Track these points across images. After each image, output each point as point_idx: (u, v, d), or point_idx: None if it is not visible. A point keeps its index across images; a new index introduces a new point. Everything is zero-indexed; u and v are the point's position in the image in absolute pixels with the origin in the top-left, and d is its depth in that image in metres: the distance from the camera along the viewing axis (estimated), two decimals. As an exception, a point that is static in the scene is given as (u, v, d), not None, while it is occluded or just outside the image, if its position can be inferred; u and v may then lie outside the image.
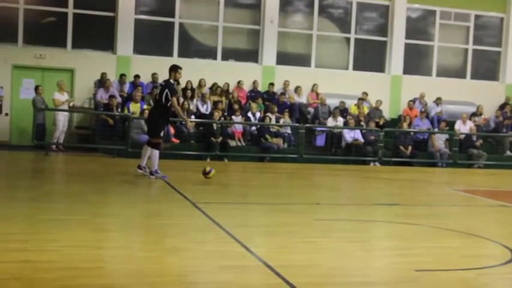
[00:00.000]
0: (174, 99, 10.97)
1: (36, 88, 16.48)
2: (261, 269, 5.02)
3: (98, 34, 18.59)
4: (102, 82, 17.25)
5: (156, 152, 11.13)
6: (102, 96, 16.74)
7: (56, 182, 11.13)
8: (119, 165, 13.29)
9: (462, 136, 18.52)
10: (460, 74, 21.77)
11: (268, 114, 17.43)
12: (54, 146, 16.05)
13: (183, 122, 15.34)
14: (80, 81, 17.98)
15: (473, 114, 19.92)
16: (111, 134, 16.09)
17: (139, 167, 11.32)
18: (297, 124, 17.63)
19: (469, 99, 20.98)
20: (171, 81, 11.14)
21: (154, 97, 12.56)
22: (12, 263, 4.77)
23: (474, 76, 21.78)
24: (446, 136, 18.44)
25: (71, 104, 16.64)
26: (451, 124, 19.21)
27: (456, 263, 5.67)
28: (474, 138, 18.78)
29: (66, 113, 16.45)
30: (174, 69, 11.17)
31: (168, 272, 4.81)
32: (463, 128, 18.92)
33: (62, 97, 16.17)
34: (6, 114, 17.44)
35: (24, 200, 8.23)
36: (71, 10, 18.06)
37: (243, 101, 18.39)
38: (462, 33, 21.89)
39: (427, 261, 5.64)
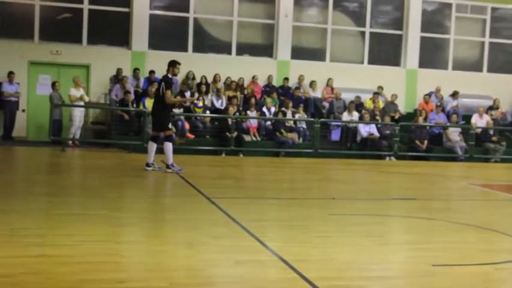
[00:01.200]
0: (168, 92, 11.10)
1: (53, 84, 16.59)
2: (277, 263, 5.03)
3: (113, 30, 18.67)
4: (118, 78, 17.32)
5: (170, 145, 11.22)
6: (118, 94, 16.79)
7: (72, 177, 11.21)
8: (134, 160, 13.35)
9: (479, 130, 18.39)
10: (476, 67, 21.59)
11: (283, 108, 17.40)
12: (70, 142, 16.16)
13: (188, 104, 15.13)
14: (96, 77, 18.06)
15: (490, 108, 19.75)
16: (127, 130, 16.16)
17: (147, 164, 11.38)
18: (312, 119, 17.59)
19: (485, 92, 20.81)
20: (169, 75, 11.26)
21: (154, 92, 12.67)
22: (30, 257, 4.81)
23: (491, 69, 21.60)
24: (460, 129, 18.32)
25: (87, 100, 16.75)
26: (467, 118, 19.08)
27: (473, 257, 5.64)
28: (491, 132, 18.63)
29: (82, 109, 16.56)
30: (173, 64, 11.34)
31: (184, 266, 4.83)
32: (480, 121, 18.78)
33: (77, 93, 16.28)
34: (23, 111, 17.57)
35: (41, 195, 8.30)
36: (86, 6, 18.14)
37: (258, 96, 18.38)
38: (478, 26, 21.70)
39: (444, 256, 5.62)
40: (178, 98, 11.84)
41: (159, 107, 11.26)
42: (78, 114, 16.30)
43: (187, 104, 14.45)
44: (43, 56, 17.76)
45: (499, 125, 19.28)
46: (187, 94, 16.96)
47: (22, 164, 13.26)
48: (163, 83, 11.13)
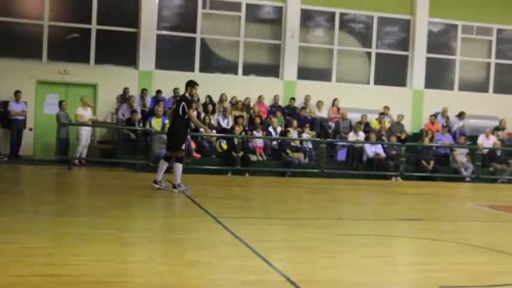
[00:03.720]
0: (191, 111, 11.10)
1: (60, 103, 16.70)
2: (284, 284, 5.01)
3: (120, 50, 18.80)
4: (125, 98, 17.41)
5: (180, 166, 11.21)
6: (125, 113, 16.87)
7: (79, 196, 11.22)
8: (141, 179, 13.36)
9: (485, 151, 18.35)
10: (482, 88, 21.63)
11: (289, 128, 17.43)
12: (77, 161, 16.20)
13: (201, 130, 15.40)
14: (103, 96, 18.17)
15: (496, 129, 19.73)
16: (133, 149, 16.21)
17: (155, 181, 11.40)
18: (318, 139, 17.61)
19: (491, 113, 20.82)
20: (187, 95, 11.25)
21: (171, 112, 12.67)
22: (38, 276, 4.81)
23: (497, 90, 21.64)
24: (466, 150, 18.29)
25: (95, 118, 16.85)
26: (473, 138, 19.06)
27: (481, 279, 5.61)
28: (498, 153, 18.59)
29: (89, 128, 16.63)
30: (191, 84, 11.30)
31: (190, 286, 4.82)
32: (486, 142, 18.75)
33: (85, 112, 16.36)
34: (30, 129, 17.66)
35: (48, 214, 8.31)
36: (94, 26, 18.30)
37: (264, 116, 18.43)
38: (484, 47, 21.77)
39: (451, 277, 5.59)
40: (197, 120, 11.78)
41: (177, 126, 11.25)
42: (85, 133, 16.37)
43: (202, 130, 14.51)
44: (51, 75, 17.90)
45: (506, 145, 19.23)
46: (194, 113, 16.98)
47: (29, 183, 13.28)
48: (183, 103, 11.05)
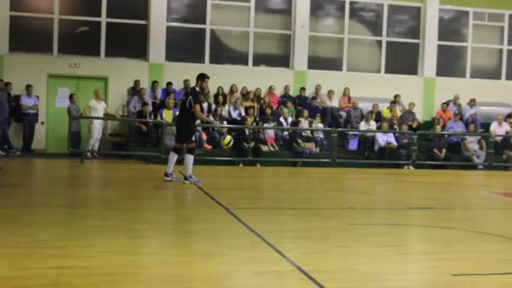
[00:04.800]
0: (197, 106, 11.03)
1: (71, 96, 16.76)
2: (295, 274, 5.01)
3: (130, 42, 18.83)
4: (136, 90, 17.45)
5: (191, 157, 11.22)
6: (136, 105, 16.93)
7: (91, 189, 11.28)
8: (152, 171, 13.40)
9: (498, 138, 18.23)
10: (494, 74, 21.46)
11: (300, 118, 17.39)
12: (89, 154, 16.27)
13: (215, 128, 15.51)
14: (114, 89, 18.22)
15: (509, 116, 19.58)
16: (145, 141, 16.26)
17: (166, 174, 11.43)
18: (329, 128, 17.57)
19: (504, 100, 20.67)
20: (197, 88, 11.23)
21: (180, 104, 12.66)
22: (51, 269, 4.84)
23: (509, 77, 21.45)
24: (478, 138, 18.19)
25: (111, 112, 17.02)
26: (486, 126, 18.94)
27: (494, 267, 5.58)
28: (511, 140, 18.46)
29: (101, 121, 16.69)
30: (202, 77, 11.27)
31: (203, 277, 4.83)
32: (499, 129, 18.62)
33: (98, 105, 16.45)
34: (42, 123, 17.75)
35: (61, 207, 8.36)
36: (104, 19, 18.33)
37: (275, 106, 18.40)
38: (496, 34, 21.58)
39: (464, 266, 5.57)
40: (202, 115, 11.71)
41: (184, 119, 11.25)
42: (97, 126, 16.44)
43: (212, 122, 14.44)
44: (62, 68, 17.96)
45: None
46: (204, 105, 17.01)
47: (41, 176, 13.37)
48: (191, 96, 11.05)
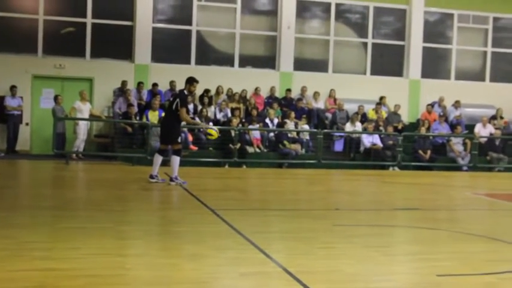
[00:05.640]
0: (183, 110, 11.03)
1: (56, 98, 16.68)
2: (282, 275, 5.03)
3: (116, 43, 18.76)
4: (122, 91, 17.39)
5: (177, 159, 11.21)
6: (121, 107, 16.88)
7: (77, 191, 11.23)
8: (138, 172, 13.37)
9: (483, 140, 18.38)
10: (479, 76, 21.64)
11: (286, 120, 17.43)
12: (74, 155, 16.20)
13: (201, 130, 15.47)
14: (99, 90, 18.15)
15: (493, 117, 19.74)
16: (130, 142, 16.21)
17: (151, 176, 11.40)
18: (315, 130, 17.62)
19: (488, 102, 20.84)
20: (185, 92, 11.23)
21: (166, 105, 12.63)
22: (36, 271, 4.83)
23: (493, 79, 21.65)
24: (462, 139, 18.33)
25: (97, 113, 16.95)
26: (470, 127, 19.09)
27: (478, 267, 5.64)
28: (496, 142, 18.60)
29: (86, 122, 16.62)
30: (190, 81, 11.28)
31: (188, 279, 4.83)
32: (483, 131, 18.78)
33: (83, 106, 16.38)
34: (27, 124, 17.64)
35: (46, 209, 8.31)
36: (89, 20, 18.25)
37: (261, 108, 18.42)
38: (481, 36, 21.76)
39: (448, 266, 5.62)
40: (189, 119, 11.68)
41: (170, 121, 11.23)
42: (83, 127, 16.37)
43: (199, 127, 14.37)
44: (47, 69, 17.86)
45: (503, 134, 19.24)
46: (190, 106, 16.98)
47: (26, 178, 13.28)
48: (178, 99, 11.06)
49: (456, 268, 5.56)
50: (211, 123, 16.87)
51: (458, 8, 21.15)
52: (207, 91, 17.97)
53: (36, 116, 17.77)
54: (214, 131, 11.91)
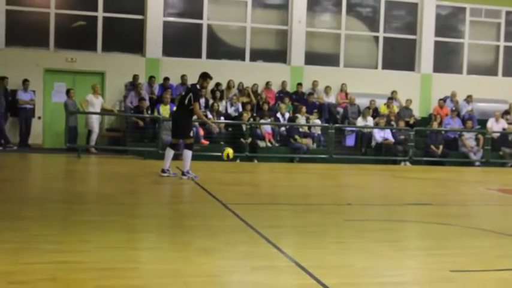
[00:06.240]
0: (196, 104, 11.04)
1: (68, 92, 16.74)
2: (293, 269, 5.01)
3: (127, 37, 18.79)
4: (134, 85, 17.42)
5: (189, 153, 11.22)
6: (133, 101, 16.92)
7: (88, 184, 11.26)
8: (149, 166, 13.40)
9: (495, 135, 18.25)
10: (491, 71, 21.48)
11: (298, 114, 17.39)
12: (93, 149, 16.31)
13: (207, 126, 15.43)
14: (111, 84, 18.19)
15: (506, 112, 19.60)
16: (142, 136, 16.24)
17: (162, 170, 11.41)
18: (326, 124, 17.57)
19: (501, 96, 20.68)
20: (197, 86, 11.21)
21: (178, 100, 12.62)
22: (48, 263, 4.83)
23: (506, 73, 21.48)
24: (474, 134, 18.21)
25: (109, 108, 17.03)
26: (482, 122, 18.96)
27: (491, 263, 5.59)
28: (509, 137, 18.47)
29: (99, 116, 16.70)
30: (204, 77, 11.26)
31: (200, 273, 4.83)
32: (496, 126, 18.65)
33: (96, 100, 16.46)
34: (39, 118, 17.71)
35: (57, 202, 8.34)
36: (100, 14, 18.28)
37: (272, 102, 18.39)
38: (493, 30, 21.59)
39: (461, 262, 5.57)
40: (201, 114, 11.68)
41: (183, 115, 11.22)
42: (95, 121, 16.45)
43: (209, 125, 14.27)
44: (58, 63, 17.92)
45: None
46: (201, 100, 17.00)
47: (39, 171, 13.35)
48: (191, 94, 11.04)
49: (468, 264, 5.52)
50: (222, 118, 16.90)
51: (471, 1, 20.98)
52: (218, 85, 17.96)
53: (48, 109, 17.84)
54: (228, 152, 11.76)
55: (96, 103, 16.45)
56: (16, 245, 5.42)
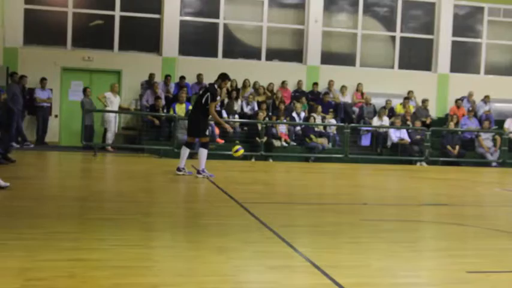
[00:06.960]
0: (213, 105, 11.05)
1: (84, 90, 16.84)
2: (309, 269, 5.00)
3: (144, 36, 18.87)
4: (150, 84, 17.49)
5: (205, 151, 11.24)
6: (149, 99, 16.99)
7: (104, 182, 11.32)
8: (165, 165, 13.44)
9: (512, 135, 18.12)
10: (509, 71, 21.29)
11: (313, 114, 17.36)
12: (110, 148, 16.40)
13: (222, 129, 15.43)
14: (127, 83, 18.28)
15: (524, 113, 19.44)
16: (157, 135, 16.30)
17: (178, 169, 11.43)
18: (342, 124, 17.52)
19: (519, 97, 20.52)
20: (215, 86, 11.21)
21: (195, 98, 12.63)
22: (65, 261, 4.86)
23: (525, 74, 21.29)
24: (491, 135, 18.07)
25: (126, 106, 17.13)
26: (500, 123, 18.81)
27: (508, 264, 5.54)
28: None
29: (116, 114, 16.80)
30: (224, 78, 11.29)
31: (216, 272, 4.83)
32: (513, 126, 18.50)
33: (114, 98, 16.56)
34: (56, 116, 17.84)
35: (74, 200, 8.39)
36: (117, 13, 18.38)
37: (288, 101, 18.37)
38: (511, 30, 21.39)
39: (478, 263, 5.53)
40: (216, 115, 11.71)
41: (199, 114, 11.23)
42: (112, 119, 16.55)
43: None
44: (75, 62, 18.04)
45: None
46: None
47: (55, 169, 13.44)
48: (208, 93, 11.05)
49: (485, 265, 5.47)
50: (236, 117, 16.91)
51: (489, 1, 20.82)
52: (233, 84, 17.98)
53: (65, 108, 17.98)
54: (238, 150, 11.80)
55: (114, 101, 16.56)
56: (33, 241, 5.46)
